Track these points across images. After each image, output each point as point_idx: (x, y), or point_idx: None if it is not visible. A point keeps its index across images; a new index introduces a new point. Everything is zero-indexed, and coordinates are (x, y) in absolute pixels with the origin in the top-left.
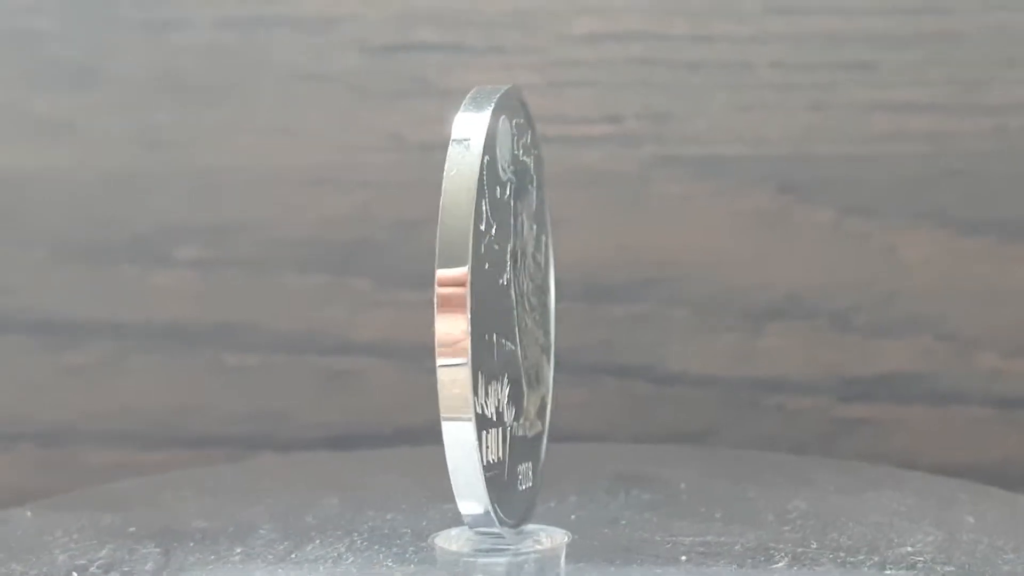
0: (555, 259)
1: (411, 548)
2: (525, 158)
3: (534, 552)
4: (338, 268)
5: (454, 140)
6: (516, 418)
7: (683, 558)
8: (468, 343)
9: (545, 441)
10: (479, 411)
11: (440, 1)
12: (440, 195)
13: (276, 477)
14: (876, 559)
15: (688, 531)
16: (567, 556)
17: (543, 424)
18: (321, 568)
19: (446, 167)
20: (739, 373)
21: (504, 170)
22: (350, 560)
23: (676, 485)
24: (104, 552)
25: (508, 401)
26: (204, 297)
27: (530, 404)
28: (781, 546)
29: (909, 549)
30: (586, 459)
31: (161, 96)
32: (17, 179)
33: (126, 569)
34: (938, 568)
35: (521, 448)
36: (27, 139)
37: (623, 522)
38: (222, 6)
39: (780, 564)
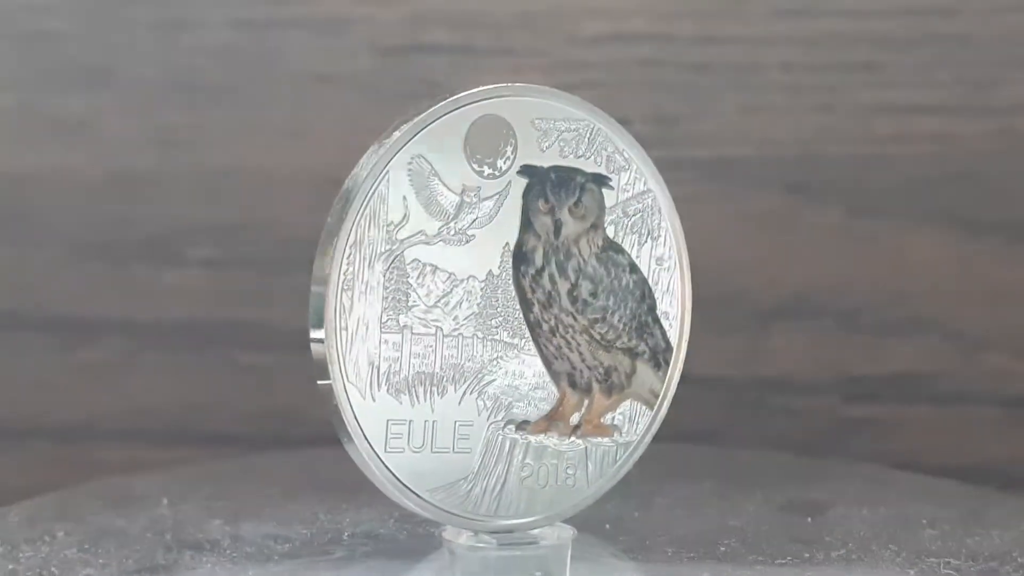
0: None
1: (419, 540)
2: (575, 154)
3: (538, 546)
4: None
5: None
6: (506, 411)
7: (670, 552)
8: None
9: (632, 446)
10: (365, 396)
11: (450, 4)
12: None
13: (287, 472)
14: None
15: (704, 539)
16: (572, 552)
17: (620, 430)
18: (332, 559)
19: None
20: (746, 373)
21: (487, 166)
22: (360, 551)
23: (824, 510)
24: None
25: (483, 396)
26: (216, 296)
27: (572, 407)
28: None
29: None
30: (762, 472)
31: (174, 97)
32: (31, 179)
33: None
34: None
35: (541, 447)
36: (41, 139)
37: (644, 524)
38: (235, 8)
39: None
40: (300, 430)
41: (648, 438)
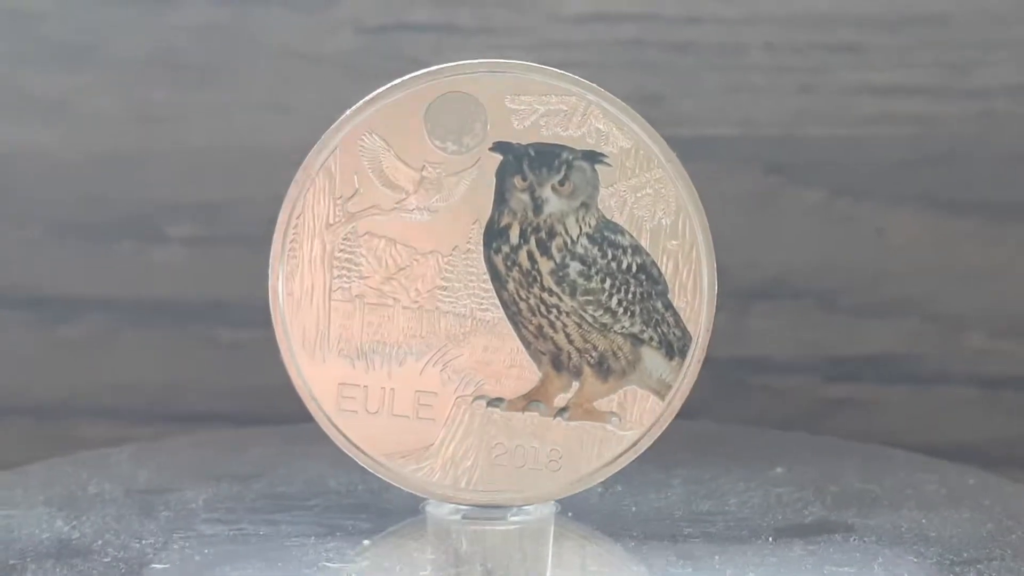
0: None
1: (402, 513)
2: (559, 131)
3: (520, 520)
4: None
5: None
6: (476, 386)
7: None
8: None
9: (636, 437)
10: (314, 358)
11: None
12: None
13: (269, 446)
14: None
15: (690, 515)
16: (554, 526)
17: (619, 417)
18: (314, 532)
19: None
20: (726, 353)
21: (451, 142)
22: (342, 524)
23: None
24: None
25: (448, 369)
26: (197, 274)
27: (557, 388)
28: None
29: None
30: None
31: (156, 75)
32: (12, 157)
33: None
34: None
35: (518, 426)
36: (22, 117)
37: (633, 505)
38: None
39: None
40: (282, 408)
41: (657, 430)
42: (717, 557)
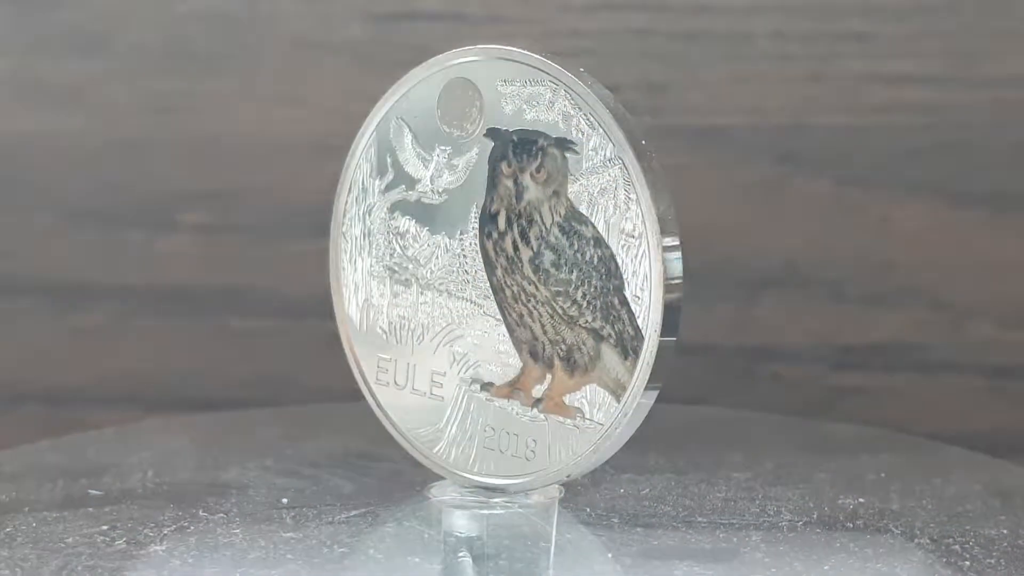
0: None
1: (406, 497)
2: (538, 116)
3: (524, 504)
4: None
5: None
6: (473, 369)
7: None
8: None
9: (601, 436)
10: (360, 329)
11: None
12: None
13: (275, 429)
14: None
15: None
16: (558, 511)
17: (583, 414)
18: (319, 515)
19: None
20: (734, 341)
21: (455, 128)
22: (347, 508)
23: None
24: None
25: (454, 350)
26: (209, 262)
27: (534, 378)
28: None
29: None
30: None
31: (168, 64)
32: (25, 145)
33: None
34: None
35: (503, 413)
36: (35, 106)
37: (645, 490)
38: None
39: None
40: (293, 395)
41: (618, 432)
42: (724, 549)
